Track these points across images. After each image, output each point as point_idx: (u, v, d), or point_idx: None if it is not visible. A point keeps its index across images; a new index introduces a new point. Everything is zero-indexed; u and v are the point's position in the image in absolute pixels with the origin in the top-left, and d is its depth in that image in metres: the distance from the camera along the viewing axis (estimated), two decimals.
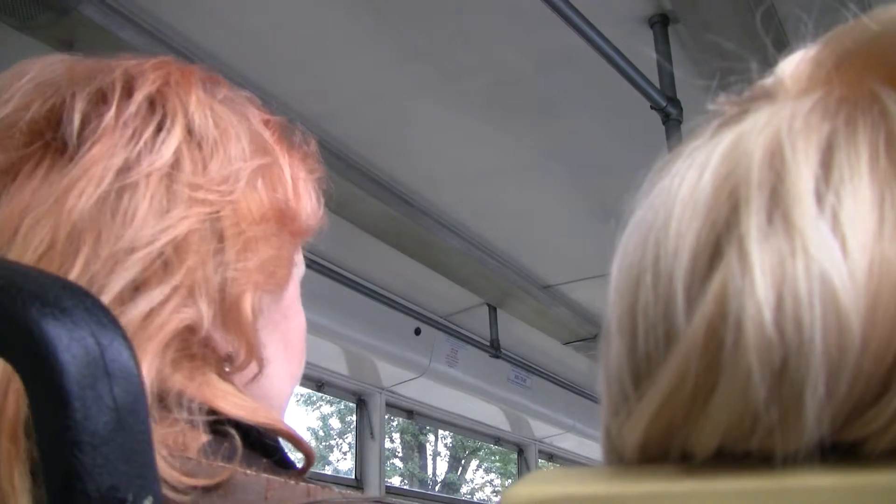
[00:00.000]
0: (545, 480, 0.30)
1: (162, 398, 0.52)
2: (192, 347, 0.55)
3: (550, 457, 5.34)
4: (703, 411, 0.28)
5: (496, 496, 12.29)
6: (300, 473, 0.57)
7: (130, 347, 0.35)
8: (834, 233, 0.26)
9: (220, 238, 0.57)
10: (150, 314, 0.52)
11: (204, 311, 0.55)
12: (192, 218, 0.56)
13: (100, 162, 0.54)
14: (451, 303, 3.72)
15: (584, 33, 1.98)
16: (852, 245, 0.26)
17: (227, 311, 0.57)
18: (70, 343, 0.33)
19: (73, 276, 0.51)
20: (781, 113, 0.30)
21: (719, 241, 0.28)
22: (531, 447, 5.10)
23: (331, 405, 12.92)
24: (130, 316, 0.52)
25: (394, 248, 3.10)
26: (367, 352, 3.54)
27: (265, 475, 0.53)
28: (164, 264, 0.54)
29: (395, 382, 3.86)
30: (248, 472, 0.52)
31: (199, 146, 0.59)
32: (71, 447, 0.33)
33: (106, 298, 0.51)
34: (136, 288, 0.53)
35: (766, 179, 0.28)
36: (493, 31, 2.20)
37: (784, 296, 0.26)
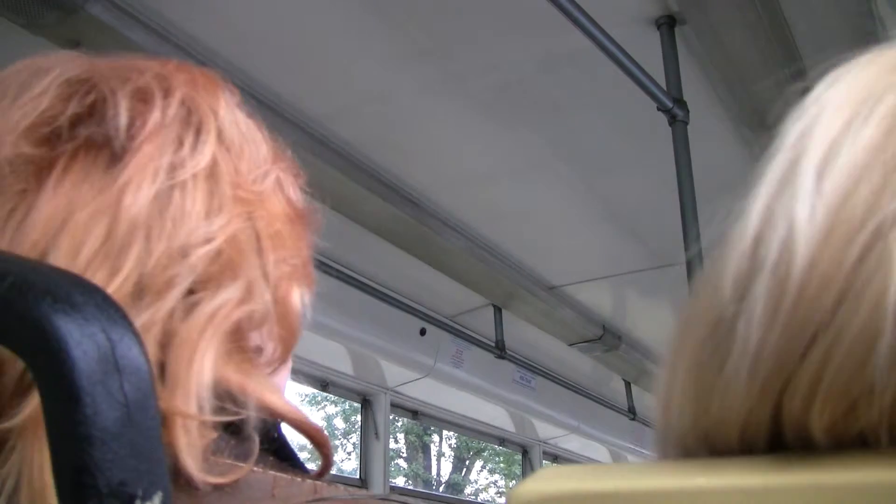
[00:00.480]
0: (553, 477, 0.30)
1: (219, 392, 0.53)
2: (240, 342, 0.57)
3: (555, 458, 5.34)
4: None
5: (500, 497, 12.29)
6: (319, 476, 0.58)
7: (140, 343, 0.35)
8: (819, 173, 0.28)
9: (259, 237, 0.59)
10: (216, 309, 0.54)
11: (267, 306, 0.57)
12: (239, 216, 0.58)
13: (152, 160, 0.56)
14: (457, 303, 3.72)
15: (591, 34, 1.98)
16: (828, 183, 0.28)
17: (276, 305, 0.59)
18: (81, 339, 0.33)
19: (125, 272, 0.52)
20: (862, 70, 0.31)
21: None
22: (535, 448, 5.09)
23: (335, 405, 12.92)
24: (198, 312, 0.53)
25: (399, 248, 3.10)
26: (373, 352, 3.54)
27: (272, 472, 0.53)
28: (224, 260, 0.56)
29: (400, 383, 3.86)
30: (256, 468, 0.53)
31: (228, 149, 0.60)
32: (81, 442, 0.33)
33: (175, 294, 0.53)
34: (201, 283, 0.54)
35: (806, 130, 0.30)
36: (499, 32, 2.20)
37: (764, 227, 0.28)
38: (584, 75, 2.35)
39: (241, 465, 0.52)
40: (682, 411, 0.31)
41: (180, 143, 0.57)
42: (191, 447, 0.49)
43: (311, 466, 0.60)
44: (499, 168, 2.84)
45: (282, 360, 0.62)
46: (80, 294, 0.35)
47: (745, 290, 0.28)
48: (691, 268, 2.15)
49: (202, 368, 0.52)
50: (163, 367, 0.51)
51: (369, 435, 3.84)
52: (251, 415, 0.54)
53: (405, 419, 4.41)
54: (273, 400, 0.56)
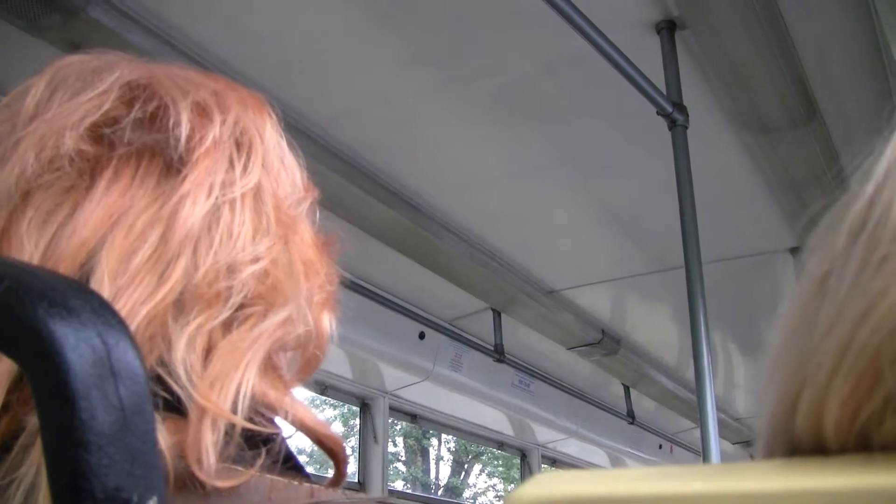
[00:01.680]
0: (551, 482, 0.30)
1: (254, 403, 0.54)
2: (274, 360, 0.58)
3: (553, 462, 5.34)
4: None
5: (498, 501, 12.29)
6: (333, 485, 0.58)
7: (136, 348, 0.35)
8: None
9: (293, 261, 0.60)
10: (265, 326, 0.55)
11: (308, 330, 0.59)
12: (281, 239, 0.59)
13: (209, 175, 0.57)
14: (456, 307, 3.72)
15: (592, 39, 1.98)
16: None
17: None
18: (77, 343, 0.33)
19: (172, 281, 0.53)
20: None
21: None
22: (534, 452, 5.09)
23: (334, 409, 12.92)
24: (247, 326, 0.55)
25: (399, 252, 3.10)
26: (372, 355, 3.54)
27: (269, 476, 0.53)
28: (272, 281, 0.57)
29: (399, 386, 3.86)
30: (254, 472, 0.53)
31: (268, 173, 0.61)
32: (76, 447, 0.33)
33: (225, 307, 0.54)
34: (250, 300, 0.55)
35: None
36: (500, 36, 2.20)
37: (880, 187, 0.29)
38: (584, 79, 2.35)
39: (242, 469, 0.52)
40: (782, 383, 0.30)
41: (231, 163, 0.58)
42: (214, 446, 0.50)
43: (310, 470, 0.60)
44: (499, 172, 2.84)
45: (302, 382, 0.63)
46: (76, 298, 0.35)
47: (853, 245, 0.28)
48: (690, 272, 2.15)
49: (246, 377, 0.53)
50: (205, 370, 0.52)
51: (368, 438, 3.84)
52: (280, 430, 0.55)
53: (404, 423, 4.41)
54: (307, 416, 0.57)
